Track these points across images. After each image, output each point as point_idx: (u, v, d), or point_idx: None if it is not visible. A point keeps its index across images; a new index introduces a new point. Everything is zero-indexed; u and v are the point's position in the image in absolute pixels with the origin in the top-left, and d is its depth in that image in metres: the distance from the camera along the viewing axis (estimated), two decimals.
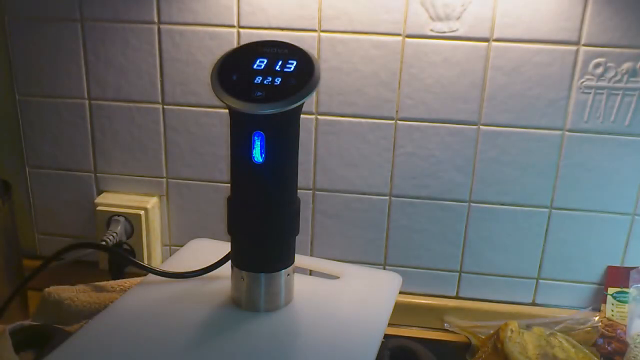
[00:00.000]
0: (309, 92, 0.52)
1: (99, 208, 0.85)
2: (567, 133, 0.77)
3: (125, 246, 0.85)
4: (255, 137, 0.53)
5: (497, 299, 0.85)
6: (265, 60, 0.54)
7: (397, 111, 0.78)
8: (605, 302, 0.81)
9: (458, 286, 0.85)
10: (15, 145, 0.87)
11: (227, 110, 0.55)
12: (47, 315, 0.70)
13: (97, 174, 0.87)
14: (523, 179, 0.79)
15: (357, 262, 0.85)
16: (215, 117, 0.82)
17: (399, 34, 0.75)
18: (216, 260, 0.64)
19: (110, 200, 0.86)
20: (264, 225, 0.56)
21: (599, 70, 0.73)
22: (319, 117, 0.80)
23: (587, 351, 0.75)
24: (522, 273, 0.83)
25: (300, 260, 0.63)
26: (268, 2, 0.76)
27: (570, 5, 0.72)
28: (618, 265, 0.81)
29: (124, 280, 0.73)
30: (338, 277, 0.67)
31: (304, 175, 0.82)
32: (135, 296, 0.62)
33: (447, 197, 0.81)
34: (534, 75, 0.75)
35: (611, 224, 0.79)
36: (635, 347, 0.75)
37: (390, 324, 0.61)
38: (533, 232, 0.81)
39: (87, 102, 0.84)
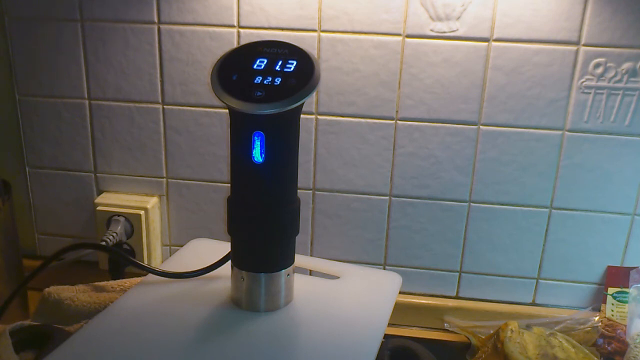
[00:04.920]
0: (309, 92, 0.52)
1: (99, 208, 0.85)
2: (567, 133, 0.77)
3: (125, 246, 0.85)
4: (255, 137, 0.53)
5: (497, 299, 0.85)
6: (265, 60, 0.54)
7: (397, 111, 0.78)
8: (605, 302, 0.81)
9: (458, 286, 0.85)
10: (15, 145, 0.87)
11: (227, 110, 0.55)
12: (47, 315, 0.70)
13: (97, 174, 0.87)
14: (523, 179, 0.79)
15: (357, 262, 0.85)
16: (215, 117, 0.82)
17: (399, 34, 0.75)
18: (216, 260, 0.64)
19: (110, 200, 0.86)
20: (264, 225, 0.56)
21: (599, 70, 0.73)
22: (319, 117, 0.80)
23: (587, 351, 0.75)
24: (522, 273, 0.83)
25: (300, 260, 0.63)
26: (268, 2, 0.76)
27: (570, 5, 0.72)
28: (618, 265, 0.81)
29: (124, 280, 0.73)
30: (338, 277, 0.68)
31: (304, 175, 0.83)
32: (135, 296, 0.62)
33: (447, 197, 0.81)
34: (534, 75, 0.75)
35: (611, 224, 0.79)
36: (635, 347, 0.75)
37: (390, 324, 0.61)
38: (533, 232, 0.81)
39: (87, 102, 0.84)
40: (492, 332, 0.78)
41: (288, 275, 0.59)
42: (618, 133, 0.76)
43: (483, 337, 0.79)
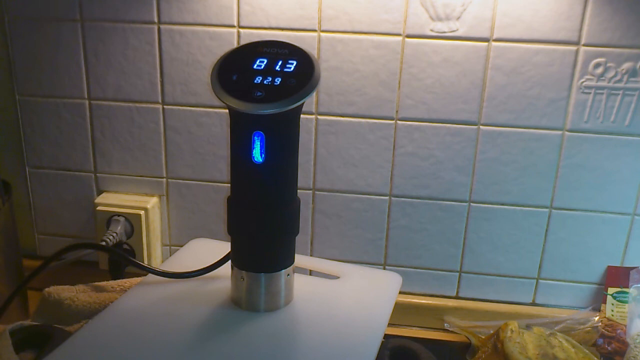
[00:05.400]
0: (309, 92, 0.52)
1: (99, 208, 0.85)
2: (567, 133, 0.77)
3: (125, 246, 0.85)
4: (255, 137, 0.53)
5: (497, 299, 0.85)
6: (265, 60, 0.54)
7: (397, 111, 0.78)
8: (605, 302, 0.81)
9: (458, 286, 0.85)
10: (15, 145, 0.87)
11: (227, 110, 0.55)
12: (47, 315, 0.70)
13: (97, 174, 0.87)
14: (523, 179, 0.79)
15: (357, 262, 0.85)
16: (215, 117, 0.82)
17: (399, 34, 0.75)
18: (216, 260, 0.64)
19: (110, 200, 0.86)
20: (264, 225, 0.56)
21: (599, 70, 0.73)
22: (319, 117, 0.80)
23: (587, 351, 0.75)
24: (522, 273, 0.83)
25: (300, 260, 0.63)
26: (268, 2, 0.76)
27: (570, 5, 0.72)
28: (618, 265, 0.81)
29: (124, 280, 0.73)
30: (338, 277, 0.68)
31: (304, 175, 0.83)
32: (135, 296, 0.62)
33: (447, 197, 0.81)
34: (534, 75, 0.75)
35: (611, 224, 0.79)
36: (635, 347, 0.75)
37: (390, 324, 0.62)
38: (533, 232, 0.81)
39: (87, 102, 0.84)
40: (492, 332, 0.78)
41: (288, 275, 0.59)
42: (618, 133, 0.76)
43: (483, 337, 0.79)
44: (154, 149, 0.85)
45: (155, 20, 0.79)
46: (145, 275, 0.67)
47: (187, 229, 0.88)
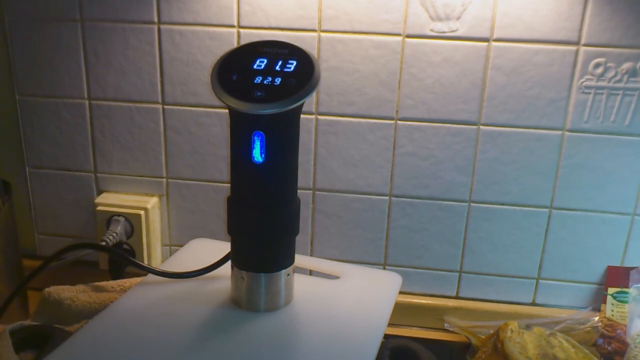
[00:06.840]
0: (309, 92, 0.52)
1: (99, 208, 0.85)
2: (567, 133, 0.77)
3: (125, 246, 0.85)
4: (255, 137, 0.53)
5: (497, 299, 0.85)
6: (265, 60, 0.54)
7: (397, 111, 0.78)
8: (605, 302, 0.81)
9: (458, 286, 0.85)
10: (15, 145, 0.87)
11: (227, 110, 0.55)
12: (47, 315, 0.70)
13: (97, 174, 0.87)
14: (523, 179, 0.79)
15: (357, 262, 0.85)
16: (215, 117, 0.82)
17: (399, 34, 0.75)
18: (216, 260, 0.64)
19: (110, 200, 0.86)
20: (264, 225, 0.56)
21: (599, 70, 0.73)
22: (319, 117, 0.80)
23: (587, 351, 0.75)
24: (522, 273, 0.83)
25: (300, 260, 0.63)
26: (268, 2, 0.76)
27: (570, 5, 0.72)
28: (618, 265, 0.81)
29: (124, 280, 0.73)
30: (338, 277, 0.68)
31: (304, 175, 0.83)
32: (135, 296, 0.62)
33: (447, 197, 0.81)
34: (534, 75, 0.75)
35: (611, 224, 0.79)
36: (635, 347, 0.75)
37: (390, 324, 0.62)
38: (533, 232, 0.81)
39: (87, 102, 0.84)
40: (492, 332, 0.78)
41: (288, 275, 0.59)
42: (618, 133, 0.76)
43: (483, 337, 0.79)
44: (154, 149, 0.85)
45: (155, 20, 0.79)
46: (145, 275, 0.67)
47: (187, 229, 0.88)
